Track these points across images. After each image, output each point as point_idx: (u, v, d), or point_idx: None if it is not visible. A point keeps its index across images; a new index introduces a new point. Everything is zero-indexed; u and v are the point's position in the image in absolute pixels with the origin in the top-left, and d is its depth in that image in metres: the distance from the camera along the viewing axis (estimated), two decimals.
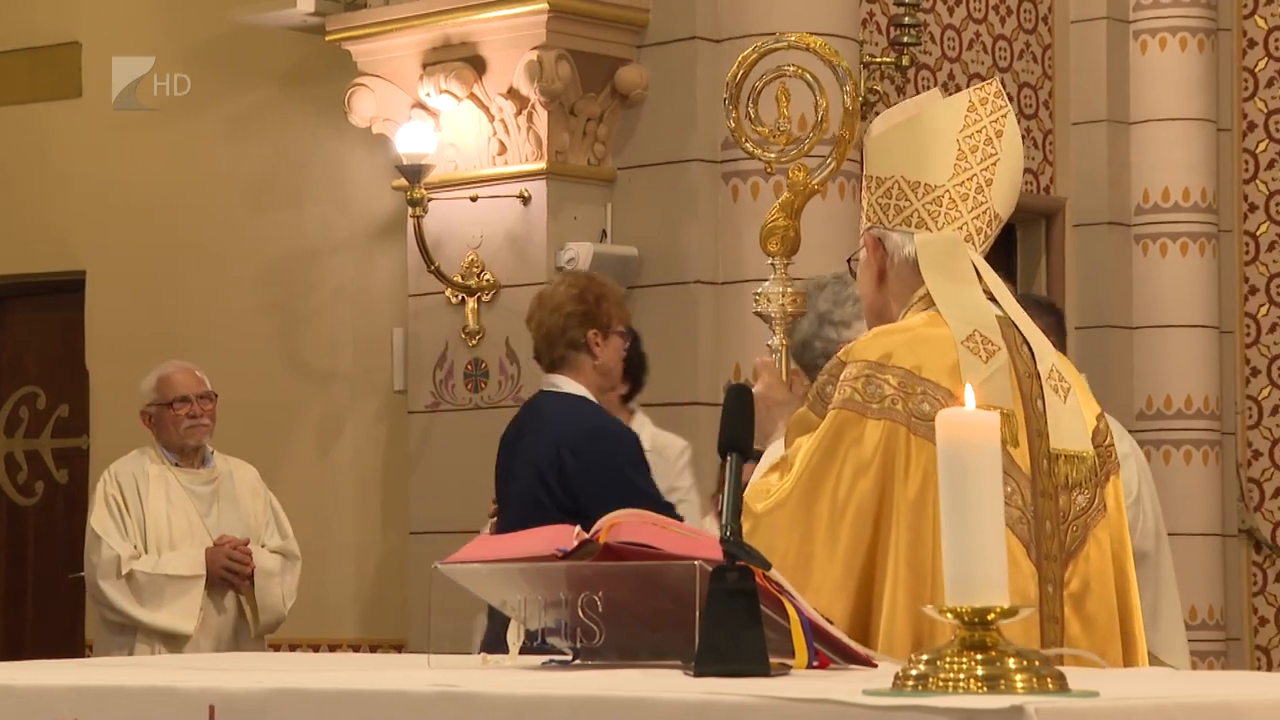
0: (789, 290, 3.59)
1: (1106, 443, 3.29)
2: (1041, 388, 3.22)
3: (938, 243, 3.27)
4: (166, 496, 6.34)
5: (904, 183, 3.30)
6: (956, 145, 3.30)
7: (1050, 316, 5.72)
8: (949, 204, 3.29)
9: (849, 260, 3.46)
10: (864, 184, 3.37)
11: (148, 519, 6.29)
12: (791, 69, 3.64)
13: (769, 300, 3.60)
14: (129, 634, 6.28)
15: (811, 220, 3.85)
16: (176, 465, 6.40)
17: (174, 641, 6.23)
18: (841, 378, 3.18)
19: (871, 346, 3.21)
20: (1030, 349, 3.26)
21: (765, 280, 3.63)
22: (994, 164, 3.31)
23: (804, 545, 3.10)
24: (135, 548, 6.26)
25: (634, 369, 6.00)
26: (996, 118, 3.33)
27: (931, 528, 3.08)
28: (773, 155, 3.63)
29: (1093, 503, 3.22)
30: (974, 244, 3.30)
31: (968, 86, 8.73)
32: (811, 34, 6.96)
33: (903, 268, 3.30)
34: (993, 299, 3.29)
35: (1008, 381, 3.16)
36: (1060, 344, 5.70)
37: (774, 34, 3.78)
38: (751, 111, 3.65)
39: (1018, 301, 3.36)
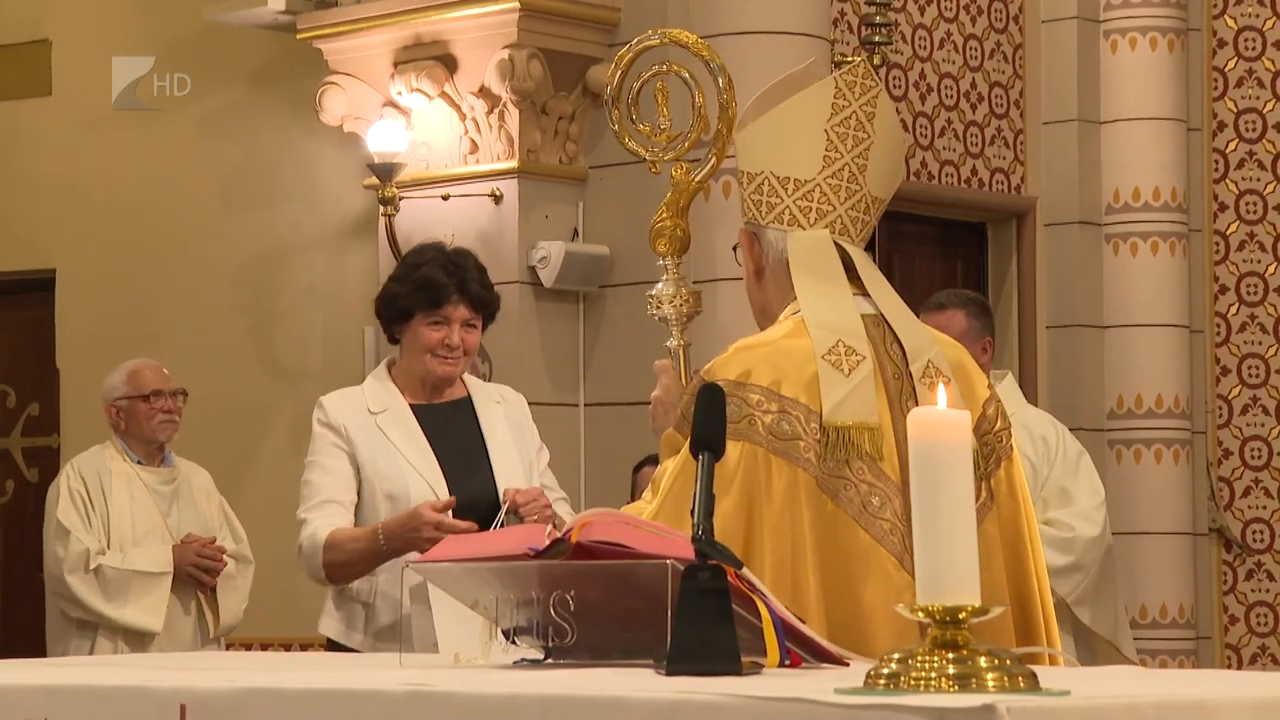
0: (683, 291, 3.56)
1: (996, 428, 3.22)
2: (914, 387, 3.18)
3: (807, 243, 3.21)
4: (130, 494, 6.28)
5: (773, 179, 3.25)
6: (825, 135, 3.23)
7: (970, 308, 5.69)
8: (820, 197, 3.24)
9: (734, 248, 3.42)
10: (737, 179, 3.33)
11: (111, 516, 6.22)
12: (671, 67, 3.61)
13: (662, 302, 3.56)
14: (89, 631, 6.20)
15: (704, 217, 3.83)
16: (139, 463, 6.35)
17: (138, 639, 6.17)
18: None
19: (730, 364, 3.16)
20: (901, 347, 3.22)
21: (683, 281, 3.59)
22: (867, 149, 3.24)
23: None
24: (100, 543, 6.22)
25: None
26: (867, 100, 3.25)
27: (790, 548, 3.05)
28: (652, 154, 3.60)
29: (978, 497, 3.17)
30: (850, 235, 3.25)
31: (939, 86, 8.78)
32: (782, 32, 6.94)
33: (777, 268, 3.25)
34: (863, 293, 3.24)
35: (872, 392, 3.11)
36: (986, 332, 5.66)
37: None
38: (634, 111, 3.63)
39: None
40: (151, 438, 6.35)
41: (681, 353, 3.54)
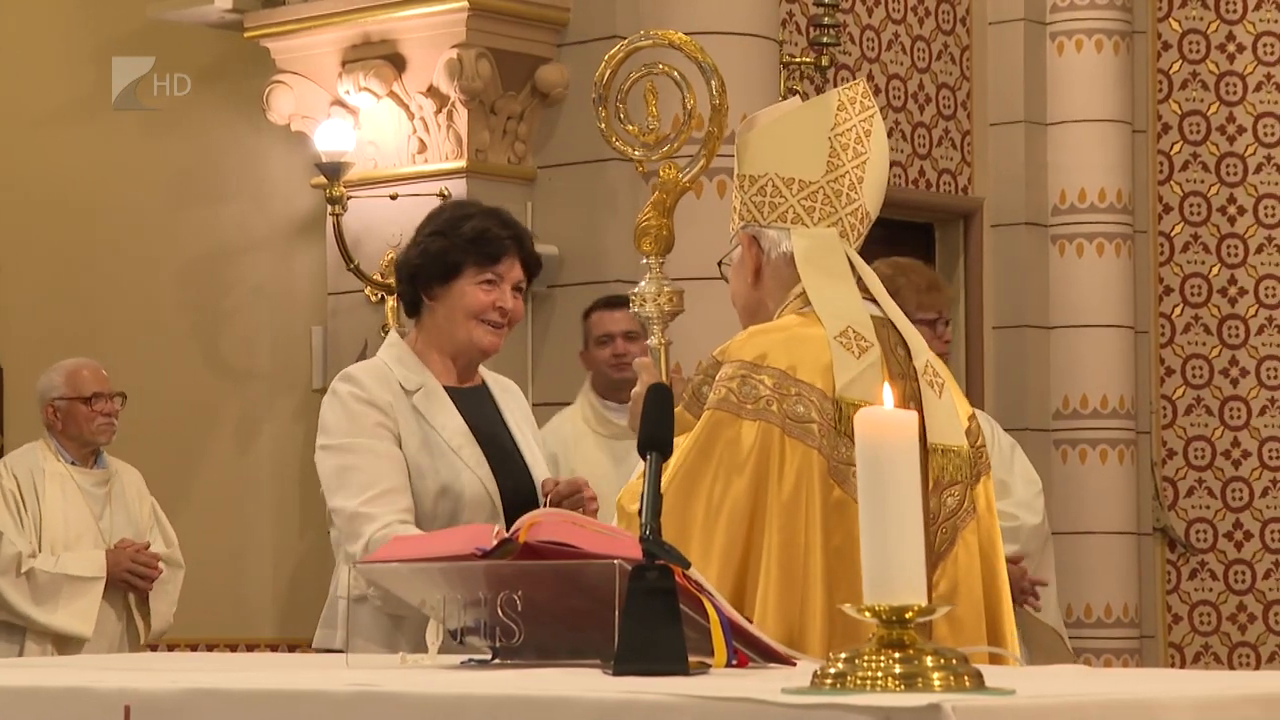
0: (666, 289, 3.59)
1: (979, 443, 3.31)
2: (918, 387, 3.23)
3: (815, 239, 3.29)
4: (63, 495, 6.16)
5: (778, 179, 3.31)
6: (829, 142, 3.31)
7: None
8: (823, 200, 3.30)
9: (719, 263, 3.47)
10: (736, 184, 3.38)
11: (44, 517, 6.11)
12: (661, 67, 3.65)
13: (645, 300, 3.59)
14: (16, 634, 6.08)
15: (685, 218, 3.86)
16: (73, 464, 6.24)
17: (67, 644, 6.05)
18: (717, 378, 3.19)
19: (747, 346, 3.22)
20: (906, 348, 3.28)
21: (666, 280, 3.61)
22: (864, 163, 3.34)
23: (679, 545, 3.10)
24: (31, 545, 6.09)
25: None
26: (865, 117, 3.36)
27: (803, 529, 3.09)
28: (640, 154, 3.63)
29: (962, 504, 3.24)
30: (849, 240, 3.32)
31: (887, 87, 8.79)
32: (730, 33, 6.96)
33: (779, 264, 3.31)
34: (870, 298, 3.31)
35: (879, 378, 3.17)
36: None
37: (641, 32, 3.79)
38: (622, 110, 3.65)
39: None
40: (90, 440, 6.27)
41: (662, 351, 3.57)
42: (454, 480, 3.98)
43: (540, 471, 4.13)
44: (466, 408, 4.08)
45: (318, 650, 4.09)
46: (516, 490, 4.03)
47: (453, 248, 4.04)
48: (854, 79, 8.02)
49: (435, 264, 4.05)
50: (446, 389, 4.09)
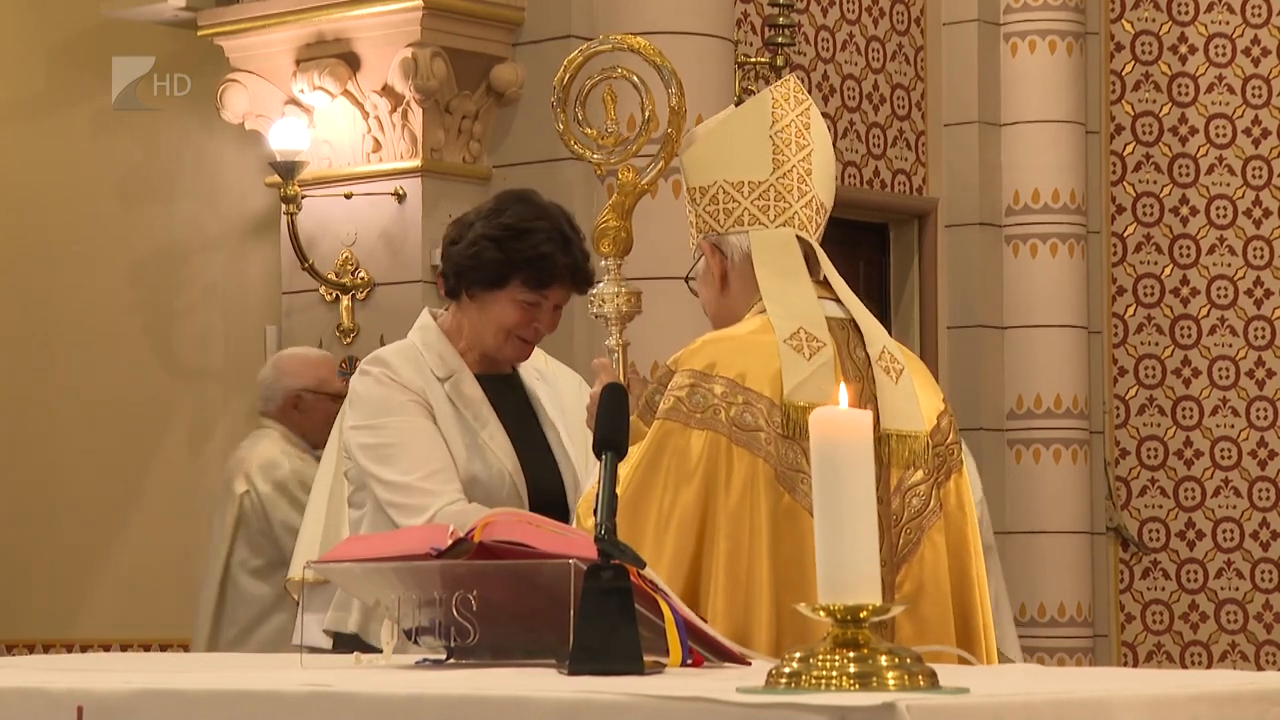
0: (624, 290, 3.61)
1: (948, 441, 3.31)
2: (872, 374, 3.24)
3: (771, 239, 3.30)
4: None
5: (727, 185, 3.33)
6: (771, 141, 3.33)
7: None
8: (776, 197, 3.32)
9: (686, 279, 3.48)
10: (687, 198, 3.40)
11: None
12: (619, 71, 3.67)
13: (604, 301, 3.61)
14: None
15: (644, 219, 3.87)
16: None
17: None
18: (669, 387, 3.20)
19: (698, 355, 3.23)
20: (865, 349, 3.27)
21: (624, 281, 3.63)
22: (809, 154, 3.36)
23: None
24: None
25: None
26: (801, 111, 3.38)
27: (749, 537, 3.10)
28: (599, 157, 3.65)
29: (928, 504, 3.24)
30: (808, 232, 3.34)
31: (842, 87, 8.80)
32: (685, 33, 6.97)
33: (743, 266, 3.33)
34: (832, 297, 3.31)
35: (831, 378, 3.17)
36: None
37: (601, 36, 3.81)
38: (580, 114, 3.67)
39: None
40: (317, 441, 6.01)
41: (620, 351, 3.59)
42: (484, 471, 3.93)
43: (571, 464, 4.07)
44: (495, 396, 4.02)
45: (329, 633, 4.06)
46: (544, 484, 4.00)
47: (507, 262, 3.96)
48: (809, 80, 8.04)
49: (484, 271, 3.97)
50: (476, 376, 4.03)
